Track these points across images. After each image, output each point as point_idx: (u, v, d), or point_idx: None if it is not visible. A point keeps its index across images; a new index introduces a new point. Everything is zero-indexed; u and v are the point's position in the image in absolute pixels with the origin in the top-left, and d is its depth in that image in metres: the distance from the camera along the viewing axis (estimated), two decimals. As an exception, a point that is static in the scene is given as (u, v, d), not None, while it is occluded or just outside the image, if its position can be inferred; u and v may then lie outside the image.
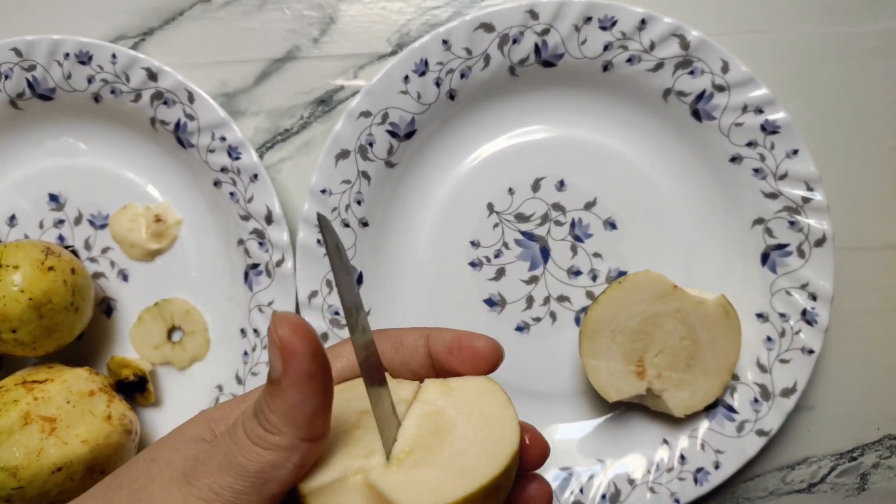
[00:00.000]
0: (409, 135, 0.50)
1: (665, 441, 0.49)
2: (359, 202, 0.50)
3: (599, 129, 0.51)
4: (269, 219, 0.50)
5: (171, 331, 0.53)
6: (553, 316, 0.51)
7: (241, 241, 0.51)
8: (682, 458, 0.49)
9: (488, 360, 0.27)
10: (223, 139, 0.50)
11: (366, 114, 0.49)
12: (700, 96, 0.48)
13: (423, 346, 0.28)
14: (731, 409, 0.49)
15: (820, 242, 0.47)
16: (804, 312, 0.48)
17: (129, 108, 0.51)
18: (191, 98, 0.50)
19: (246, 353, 0.51)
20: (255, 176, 0.49)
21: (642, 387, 0.46)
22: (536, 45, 0.49)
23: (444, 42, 0.48)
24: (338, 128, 0.49)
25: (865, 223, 0.51)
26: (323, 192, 0.49)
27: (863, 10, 0.51)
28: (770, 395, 0.48)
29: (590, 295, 0.51)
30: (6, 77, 0.51)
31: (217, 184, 0.51)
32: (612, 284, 0.47)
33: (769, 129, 0.47)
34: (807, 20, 0.51)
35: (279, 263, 0.50)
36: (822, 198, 0.47)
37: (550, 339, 0.51)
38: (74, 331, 0.49)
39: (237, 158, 0.50)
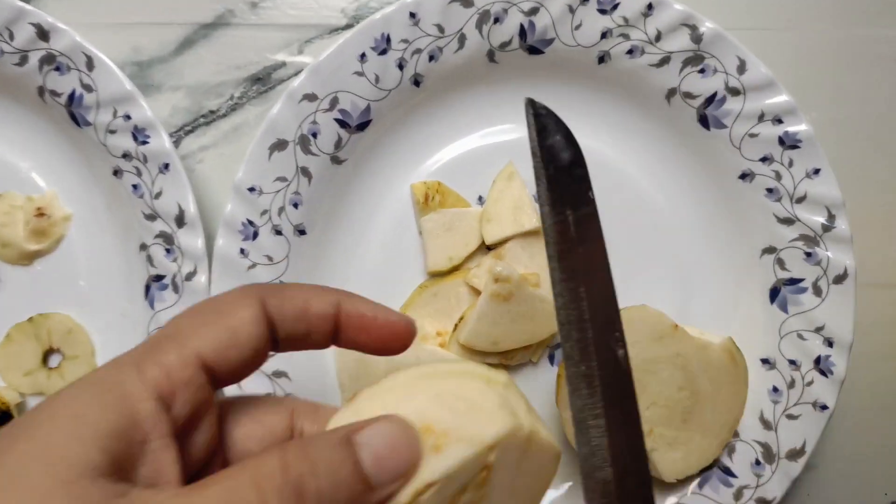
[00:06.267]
0: (363, 126, 0.41)
1: (650, 506, 0.42)
2: (295, 205, 0.41)
3: (589, 131, 0.43)
4: (180, 220, 0.40)
5: (47, 354, 0.43)
6: (525, 352, 0.43)
7: (143, 246, 0.41)
8: (670, 528, 0.41)
9: (405, 338, 0.26)
10: (127, 117, 0.40)
11: (310, 97, 0.40)
12: (710, 99, 0.41)
13: (332, 316, 0.25)
14: (728, 471, 0.41)
15: (840, 279, 0.40)
16: (818, 360, 0.41)
17: (11, 73, 0.41)
18: (90, 64, 0.40)
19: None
20: (166, 165, 0.40)
21: (630, 445, 0.38)
22: (522, 27, 0.40)
23: (412, 15, 0.39)
24: (275, 112, 0.39)
25: (889, 256, 0.45)
26: (251, 190, 0.40)
27: (888, 10, 0.45)
28: (774, 457, 0.41)
29: (569, 329, 0.43)
30: None
31: (117, 173, 0.41)
32: (601, 321, 0.38)
33: (788, 142, 0.40)
34: (824, 18, 0.45)
35: (189, 277, 0.40)
36: (845, 227, 0.40)
37: (522, 383, 0.43)
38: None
39: (144, 143, 0.40)
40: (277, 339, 0.25)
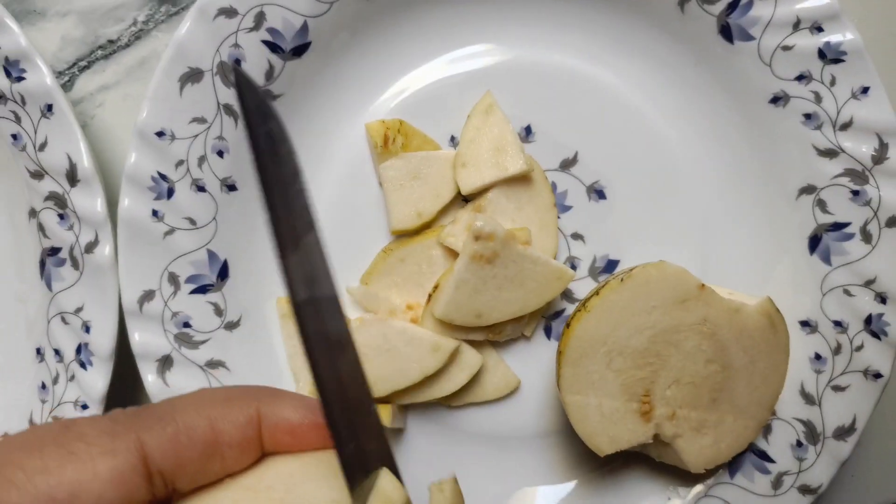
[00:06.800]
0: (300, 50, 0.33)
1: (671, 501, 0.35)
2: (220, 153, 0.32)
3: (583, 52, 0.36)
4: (71, 176, 0.31)
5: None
6: (514, 325, 0.35)
7: (33, 212, 0.33)
8: (696, 527, 0.34)
9: None
10: (-5, 47, 0.31)
11: (228, 12, 0.31)
12: (733, 4, 0.33)
13: (252, 438, 0.19)
14: (764, 455, 0.35)
15: (894, 221, 0.34)
16: (869, 320, 0.34)
17: None
18: (-60, -21, 0.31)
19: (44, 386, 0.33)
20: (49, 107, 0.31)
21: (648, 432, 0.32)
22: (496, -83, 0.32)
23: None
24: (182, 33, 0.31)
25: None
26: (160, 134, 0.31)
27: None
28: (819, 437, 0.35)
29: (567, 295, 0.36)
30: None
31: (-8, 121, 0.32)
32: (608, 282, 0.31)
33: (830, 55, 0.33)
34: None
35: (90, 248, 0.32)
36: (901, 157, 0.33)
37: (513, 362, 0.35)
38: None
39: (19, 79, 0.31)
40: (175, 489, 0.18)
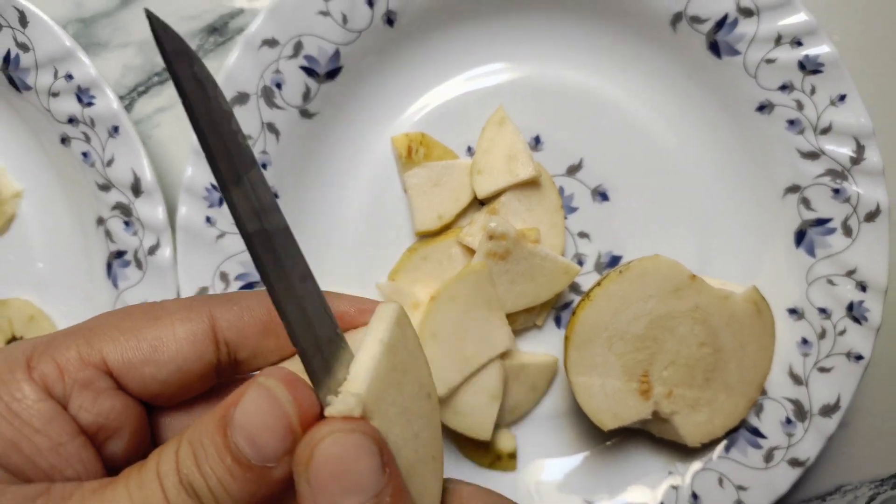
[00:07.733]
0: (333, 73, 0.37)
1: (672, 475, 0.38)
2: (264, 165, 0.37)
3: (586, 67, 0.39)
4: (136, 188, 0.36)
5: (8, 343, 0.39)
6: (527, 315, 0.39)
7: (101, 220, 0.37)
8: (695, 496, 0.38)
9: None
10: (69, 77, 0.36)
11: (271, 42, 0.35)
12: (720, 23, 0.36)
13: None
14: (756, 432, 0.38)
15: (872, 216, 0.36)
16: (850, 307, 0.37)
17: (-65, 35, 0.36)
18: (23, 20, 0.36)
19: (112, 374, 0.38)
20: (115, 128, 0.36)
21: (647, 409, 0.35)
22: (505, -49, 0.36)
23: (379, -58, 0.35)
24: (231, 61, 0.35)
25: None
26: (213, 151, 0.35)
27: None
28: (806, 415, 0.37)
29: (575, 288, 0.39)
30: None
31: (65, 140, 0.37)
32: (609, 275, 0.35)
33: (810, 67, 0.36)
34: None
35: (153, 251, 0.36)
36: (876, 158, 0.36)
37: (527, 349, 0.39)
38: None
39: (89, 104, 0.36)
40: (237, 359, 0.22)
